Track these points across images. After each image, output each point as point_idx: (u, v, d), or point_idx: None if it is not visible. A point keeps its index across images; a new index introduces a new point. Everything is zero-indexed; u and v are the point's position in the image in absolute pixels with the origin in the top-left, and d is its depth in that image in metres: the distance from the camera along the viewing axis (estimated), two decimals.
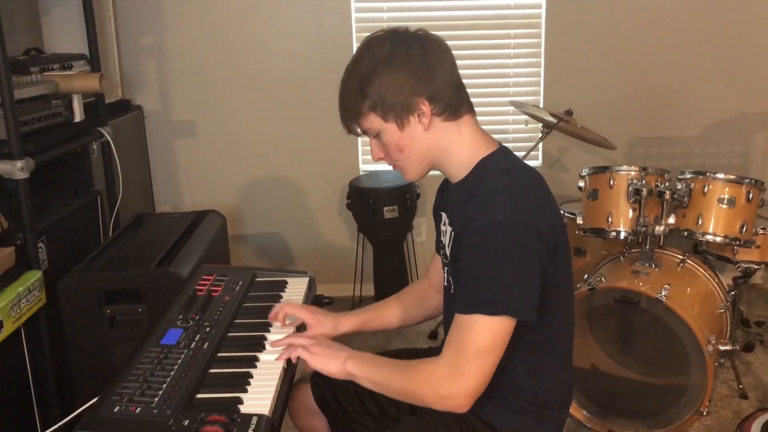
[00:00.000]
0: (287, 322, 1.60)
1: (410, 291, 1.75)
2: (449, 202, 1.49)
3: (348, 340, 1.66)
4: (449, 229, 1.45)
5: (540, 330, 1.38)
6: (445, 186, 1.56)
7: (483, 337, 1.27)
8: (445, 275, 1.53)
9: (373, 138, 1.42)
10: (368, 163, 3.55)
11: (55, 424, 1.67)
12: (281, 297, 1.76)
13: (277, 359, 1.43)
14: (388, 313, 1.71)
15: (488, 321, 1.27)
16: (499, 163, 1.39)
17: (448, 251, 1.45)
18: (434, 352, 1.68)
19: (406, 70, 1.34)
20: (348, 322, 1.64)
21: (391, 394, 1.39)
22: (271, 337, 1.53)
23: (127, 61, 3.38)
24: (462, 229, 1.33)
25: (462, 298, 1.31)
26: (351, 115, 1.40)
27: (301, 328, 1.61)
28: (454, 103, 1.39)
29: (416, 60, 1.34)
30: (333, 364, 1.40)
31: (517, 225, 1.28)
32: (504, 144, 1.48)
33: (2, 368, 1.99)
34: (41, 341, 2.10)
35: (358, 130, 1.42)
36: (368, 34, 1.41)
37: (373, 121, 1.38)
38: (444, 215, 1.51)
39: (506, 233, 1.28)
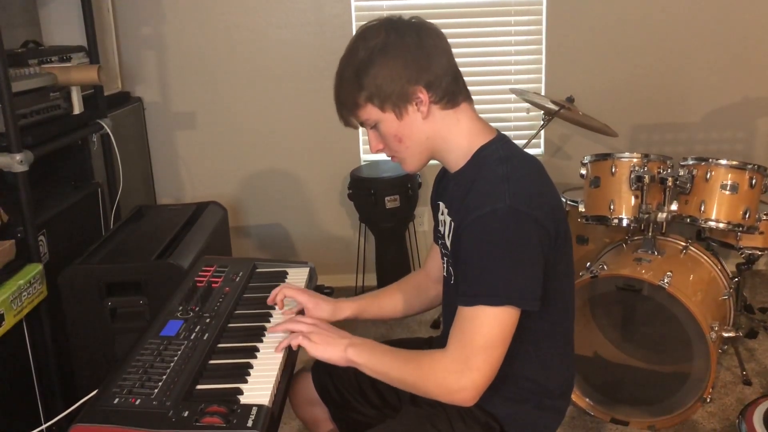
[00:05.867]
0: (287, 307, 1.59)
1: (409, 281, 1.74)
2: (447, 191, 1.48)
3: (351, 330, 1.65)
4: (448, 219, 1.44)
5: (541, 318, 1.37)
6: (443, 175, 1.55)
7: (489, 329, 1.26)
8: (445, 266, 1.52)
9: (371, 129, 1.41)
10: (369, 152, 3.54)
11: (58, 415, 1.67)
12: None
13: (276, 349, 1.41)
14: (387, 302, 1.70)
15: (492, 312, 1.26)
16: (498, 151, 1.38)
17: (447, 242, 1.44)
18: (435, 341, 1.69)
19: (402, 59, 1.32)
20: (347, 309, 1.62)
21: (393, 384, 1.38)
22: (272, 329, 1.53)
23: (126, 52, 3.37)
24: (462, 220, 1.32)
25: (464, 289, 1.30)
26: (348, 107, 1.38)
27: (301, 313, 1.60)
28: (452, 90, 1.37)
29: (412, 48, 1.33)
30: (333, 351, 1.38)
31: (517, 214, 1.27)
32: (506, 132, 1.46)
33: (4, 361, 1.99)
34: (43, 334, 2.11)
35: (355, 121, 1.41)
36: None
37: (371, 112, 1.36)
38: (442, 205, 1.50)
39: (506, 222, 1.26)
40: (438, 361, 1.30)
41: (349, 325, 1.62)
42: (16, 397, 2.07)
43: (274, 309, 1.63)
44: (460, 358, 1.27)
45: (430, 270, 1.71)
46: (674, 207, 2.50)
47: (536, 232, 1.29)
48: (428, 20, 1.39)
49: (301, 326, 1.43)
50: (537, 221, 1.28)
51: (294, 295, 1.59)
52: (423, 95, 1.34)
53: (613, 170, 2.57)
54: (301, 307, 1.59)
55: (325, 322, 1.49)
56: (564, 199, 2.99)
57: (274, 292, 1.60)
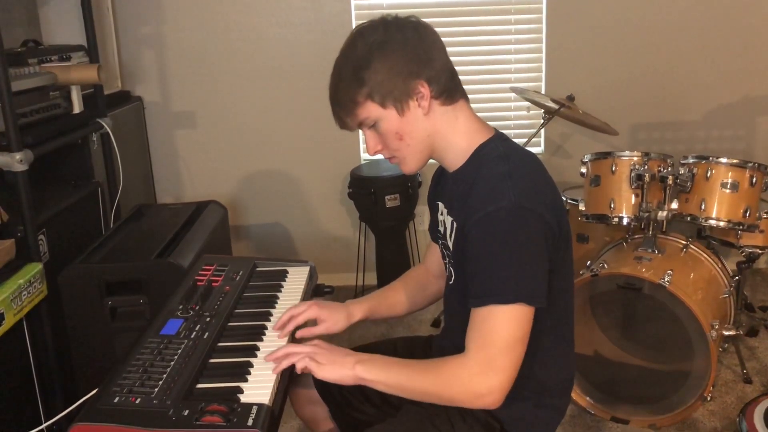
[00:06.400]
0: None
1: (412, 277, 1.74)
2: (446, 191, 1.47)
3: (351, 329, 1.64)
4: (449, 219, 1.43)
5: (542, 316, 1.35)
6: (441, 174, 1.55)
7: (508, 328, 1.25)
8: (446, 266, 1.51)
9: (369, 129, 1.39)
10: None
11: (58, 414, 1.67)
12: (282, 287, 1.75)
13: (274, 370, 1.33)
14: (395, 300, 1.69)
15: (506, 310, 1.25)
16: (497, 149, 1.38)
17: (449, 242, 1.44)
18: (435, 339, 1.69)
19: (403, 53, 1.32)
20: (358, 311, 1.61)
21: (409, 396, 1.34)
22: (272, 327, 1.52)
23: (126, 51, 3.36)
24: (466, 220, 1.31)
25: (474, 290, 1.28)
26: (346, 107, 1.36)
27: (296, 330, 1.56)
28: (450, 86, 1.37)
29: (412, 42, 1.32)
30: (341, 370, 1.33)
31: (522, 211, 1.26)
32: (506, 131, 1.46)
33: (5, 360, 1.99)
34: (43, 333, 2.11)
35: (352, 123, 1.38)
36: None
37: (371, 109, 1.35)
38: (441, 205, 1.50)
39: (512, 220, 1.26)
40: (460, 366, 1.28)
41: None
42: (17, 396, 2.07)
43: (274, 308, 1.63)
44: (483, 360, 1.26)
45: (430, 266, 1.71)
46: (674, 205, 2.49)
47: (541, 228, 1.28)
48: (428, 19, 1.39)
49: (302, 348, 1.37)
50: (541, 217, 1.28)
51: (307, 315, 1.54)
52: (424, 89, 1.34)
53: (614, 169, 2.57)
54: (309, 318, 1.57)
55: (324, 341, 1.43)
56: (564, 198, 2.98)
57: (281, 321, 1.52)
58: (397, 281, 1.73)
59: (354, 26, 3.34)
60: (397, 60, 1.31)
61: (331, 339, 1.58)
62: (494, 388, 1.26)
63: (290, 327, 1.51)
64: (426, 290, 1.71)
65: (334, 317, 1.57)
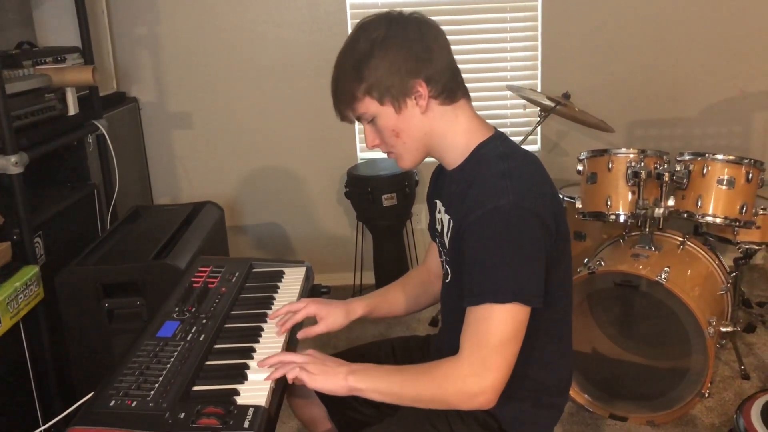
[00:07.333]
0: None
1: (413, 277, 1.73)
2: (444, 189, 1.47)
3: (349, 329, 1.64)
4: (447, 217, 1.43)
5: (540, 315, 1.35)
6: (439, 173, 1.55)
7: (503, 327, 1.24)
8: (443, 264, 1.51)
9: (368, 124, 1.40)
10: (366, 150, 3.53)
11: (56, 417, 1.67)
12: (278, 287, 1.75)
13: (267, 378, 1.31)
14: (396, 299, 1.69)
15: (501, 309, 1.24)
16: (497, 148, 1.38)
17: (446, 240, 1.43)
18: (433, 339, 1.69)
19: (403, 52, 1.31)
20: (358, 308, 1.61)
21: (404, 402, 1.34)
22: (268, 329, 1.52)
23: (121, 52, 3.36)
24: (463, 218, 1.31)
25: (470, 289, 1.28)
26: (345, 100, 1.37)
27: (296, 329, 1.57)
28: (451, 86, 1.36)
29: (413, 41, 1.32)
30: (334, 381, 1.32)
31: (520, 210, 1.26)
32: (502, 129, 1.46)
33: (2, 363, 1.99)
34: (40, 336, 2.10)
35: (352, 116, 1.39)
36: None
37: (369, 105, 1.35)
38: (439, 203, 1.49)
39: (510, 219, 1.26)
40: (453, 367, 1.27)
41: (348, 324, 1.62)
42: (14, 399, 2.06)
43: (271, 309, 1.63)
44: (477, 360, 1.25)
45: (431, 266, 1.70)
46: (671, 202, 2.50)
47: (539, 227, 1.28)
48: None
49: (295, 357, 1.36)
50: (539, 217, 1.28)
51: (306, 313, 1.54)
52: (423, 89, 1.33)
53: (610, 166, 2.57)
54: (306, 317, 1.56)
55: (317, 351, 1.42)
56: (561, 196, 2.98)
57: (279, 313, 1.53)
58: (398, 281, 1.73)
59: (349, 25, 3.36)
60: (396, 58, 1.31)
61: (330, 336, 1.58)
62: (487, 387, 1.25)
63: (288, 325, 1.51)
64: (428, 290, 1.71)
65: (333, 315, 1.57)
